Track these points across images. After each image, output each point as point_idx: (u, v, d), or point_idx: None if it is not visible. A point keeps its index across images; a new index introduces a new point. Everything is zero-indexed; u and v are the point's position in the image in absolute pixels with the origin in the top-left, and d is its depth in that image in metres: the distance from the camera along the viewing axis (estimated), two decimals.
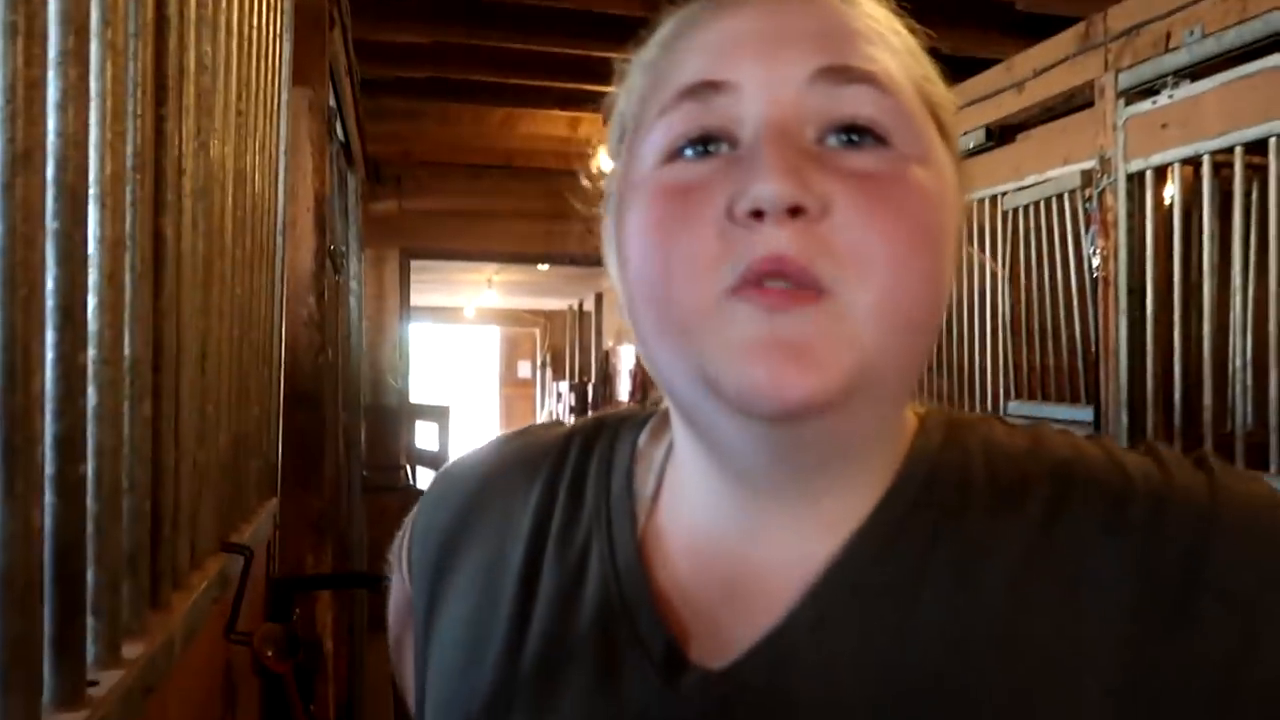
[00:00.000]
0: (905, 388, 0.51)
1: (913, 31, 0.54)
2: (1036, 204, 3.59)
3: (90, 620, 0.84)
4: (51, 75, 0.70)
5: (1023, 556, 0.48)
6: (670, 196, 0.47)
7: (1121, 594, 0.47)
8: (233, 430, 1.47)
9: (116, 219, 0.85)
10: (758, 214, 0.44)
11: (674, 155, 0.48)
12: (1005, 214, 3.78)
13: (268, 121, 1.75)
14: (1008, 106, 3.63)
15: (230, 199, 1.38)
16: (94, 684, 0.81)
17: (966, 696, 0.46)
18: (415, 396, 6.33)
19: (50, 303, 0.72)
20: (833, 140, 0.47)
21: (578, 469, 0.59)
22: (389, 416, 5.61)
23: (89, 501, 0.82)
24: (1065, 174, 3.40)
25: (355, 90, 3.80)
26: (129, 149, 0.89)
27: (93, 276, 0.82)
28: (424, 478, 5.49)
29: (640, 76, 0.54)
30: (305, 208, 2.67)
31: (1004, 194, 3.79)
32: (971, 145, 3.87)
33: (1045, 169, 3.53)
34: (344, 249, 3.61)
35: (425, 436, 6.17)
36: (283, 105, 1.97)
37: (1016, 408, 3.74)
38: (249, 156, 1.55)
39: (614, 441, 0.60)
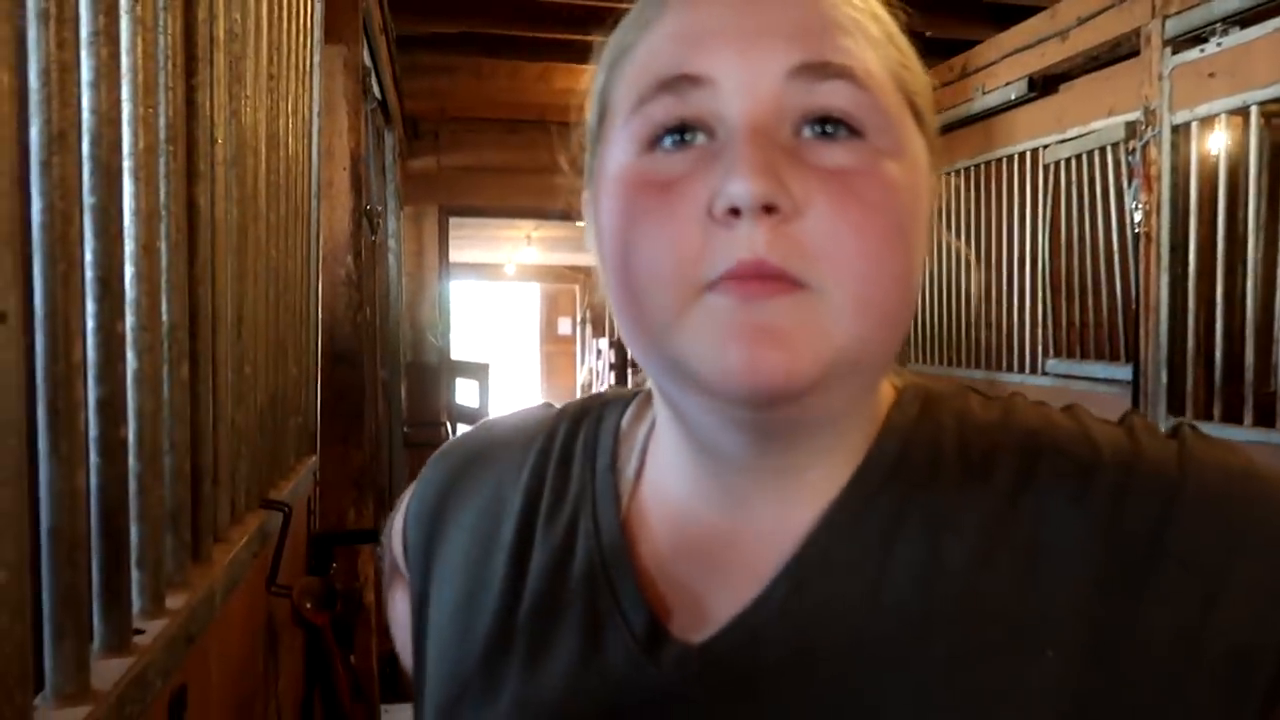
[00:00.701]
0: (879, 372, 0.52)
1: (891, 9, 0.54)
2: (1078, 157, 3.51)
3: (135, 573, 0.89)
4: (84, 55, 0.73)
5: (988, 527, 0.50)
6: (649, 190, 0.48)
7: (1083, 563, 0.49)
8: (270, 390, 1.51)
9: (150, 191, 0.89)
10: (735, 211, 0.46)
11: (652, 145, 0.49)
12: (1046, 167, 3.71)
13: (300, 83, 1.78)
14: (1050, 56, 3.54)
15: (264, 164, 1.41)
16: (140, 632, 0.86)
17: (930, 664, 0.48)
18: (456, 354, 6.40)
19: (89, 274, 0.76)
20: (808, 132, 0.48)
21: (565, 449, 0.61)
22: (429, 374, 5.69)
23: (131, 461, 0.86)
24: (1108, 126, 3.32)
25: (391, 47, 3.81)
26: (161, 122, 0.92)
27: (129, 247, 0.85)
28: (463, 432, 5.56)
29: (618, 57, 0.54)
30: (341, 167, 2.70)
31: (1045, 147, 3.71)
32: (1013, 96, 3.78)
33: (1088, 120, 3.44)
34: (381, 207, 3.64)
35: (466, 393, 6.25)
36: (315, 65, 2.00)
37: (1055, 365, 3.70)
38: (282, 120, 1.57)
39: (599, 422, 0.62)
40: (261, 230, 1.41)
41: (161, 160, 0.93)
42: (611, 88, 0.54)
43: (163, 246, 0.93)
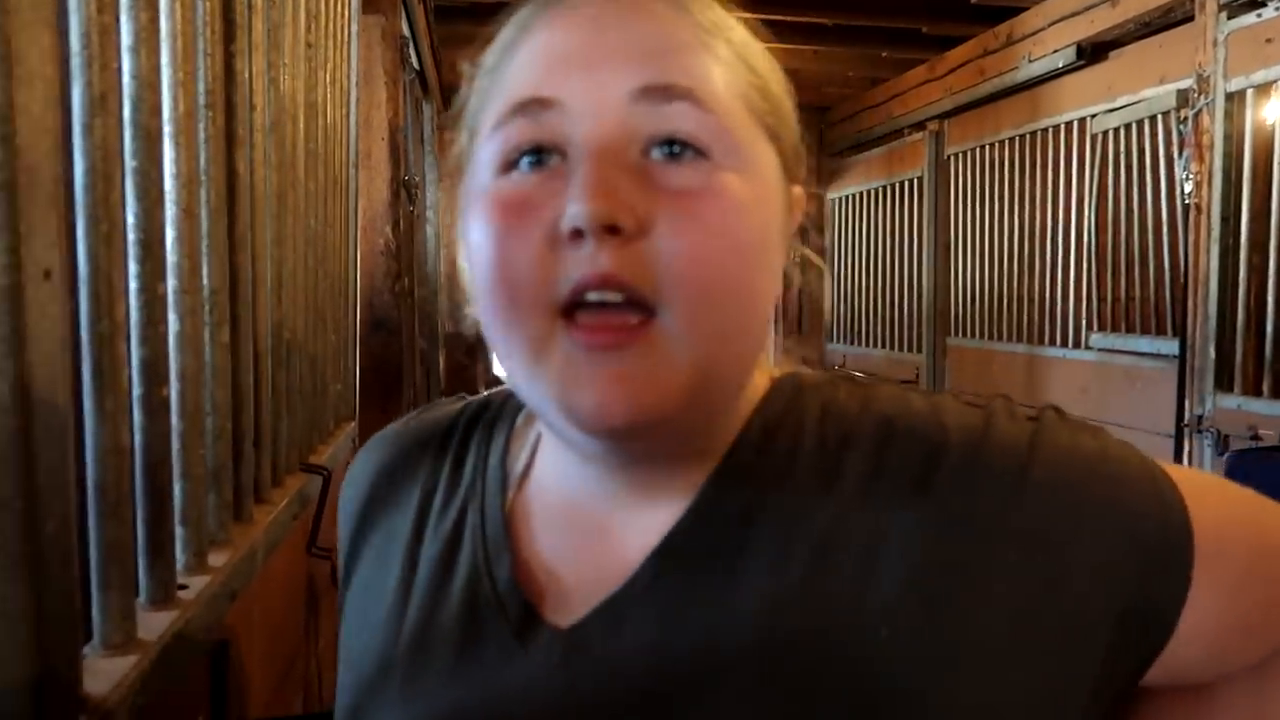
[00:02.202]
0: (731, 390, 0.54)
1: (751, 31, 0.56)
2: (1127, 126, 3.43)
3: (179, 530, 0.91)
4: (124, 19, 0.74)
5: (836, 517, 0.52)
6: (506, 211, 0.50)
7: (923, 547, 0.50)
8: (310, 356, 1.54)
9: (190, 155, 0.90)
10: (579, 233, 0.48)
11: (509, 166, 0.51)
12: (1094, 137, 3.62)
13: (338, 52, 1.79)
14: (1100, 22, 3.45)
15: (302, 132, 1.43)
16: (183, 587, 0.88)
17: (775, 652, 0.50)
18: None
19: (131, 236, 0.77)
20: (656, 153, 0.50)
21: (461, 446, 0.65)
22: (467, 344, 5.74)
23: (173, 420, 0.88)
24: (1159, 94, 3.24)
25: (429, 17, 3.80)
26: (200, 87, 0.93)
27: (170, 211, 0.87)
28: None
29: (482, 80, 0.56)
30: (379, 138, 2.72)
31: (1093, 116, 3.62)
32: (1060, 64, 3.69)
33: (1138, 89, 3.36)
34: (419, 178, 3.66)
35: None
36: (354, 35, 2.00)
37: (1099, 339, 3.63)
38: (320, 89, 1.59)
39: (496, 420, 0.65)
40: (300, 198, 1.42)
41: (201, 125, 0.94)
42: (477, 109, 0.56)
43: (203, 211, 0.95)
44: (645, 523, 0.55)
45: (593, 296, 0.48)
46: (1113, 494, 0.52)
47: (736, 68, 0.53)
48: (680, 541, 0.54)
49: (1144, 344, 3.40)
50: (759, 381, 0.59)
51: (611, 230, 0.47)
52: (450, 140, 0.61)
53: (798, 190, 0.59)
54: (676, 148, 0.50)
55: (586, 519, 0.57)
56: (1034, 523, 0.50)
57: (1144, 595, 0.51)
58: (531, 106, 0.51)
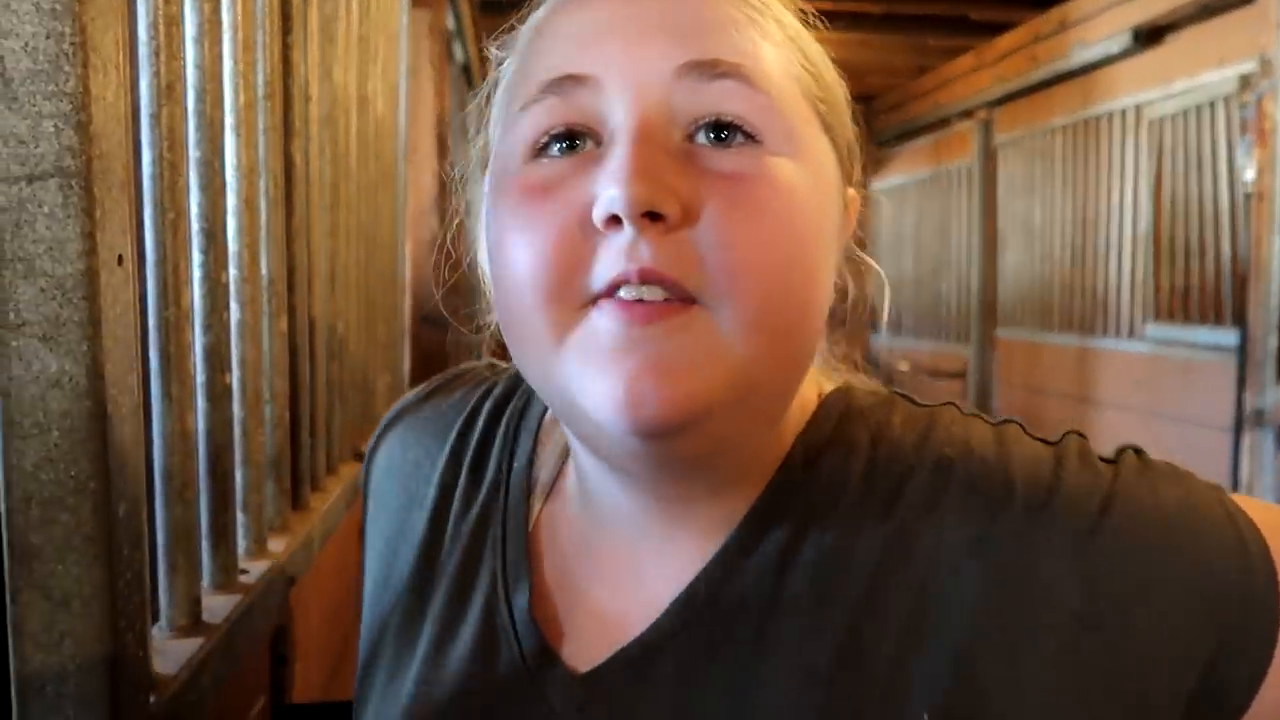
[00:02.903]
0: (779, 398, 0.48)
1: (803, 16, 0.51)
2: (1185, 113, 3.34)
3: (240, 516, 0.92)
4: (188, 11, 0.75)
5: (880, 573, 0.47)
6: (533, 198, 0.45)
7: (971, 616, 0.46)
8: (362, 346, 1.55)
9: (250, 146, 0.91)
10: (616, 220, 0.42)
11: (539, 151, 0.46)
12: (1150, 124, 3.54)
13: (389, 45, 1.80)
14: (1157, 6, 3.37)
15: (354, 124, 1.44)
16: (244, 572, 0.90)
17: (808, 712, 0.46)
18: None
19: (195, 225, 0.78)
20: (702, 137, 0.45)
21: (484, 437, 0.59)
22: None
23: (235, 408, 0.90)
24: (1219, 79, 3.15)
25: (475, 10, 3.82)
26: (259, 78, 0.95)
27: (231, 201, 0.88)
28: None
29: (511, 63, 0.52)
30: (426, 131, 2.74)
31: (1149, 103, 3.54)
32: (1115, 50, 3.61)
33: (1197, 73, 3.27)
34: (465, 172, 3.68)
35: None
36: (403, 28, 2.02)
37: (1155, 330, 3.55)
38: (371, 81, 1.60)
39: (523, 413, 0.59)
40: (353, 189, 1.43)
41: (260, 116, 0.95)
42: (505, 93, 0.52)
43: (262, 201, 0.96)
44: (675, 560, 0.51)
45: (627, 293, 0.42)
46: (1190, 552, 0.46)
47: (789, 49, 0.49)
48: (710, 589, 0.49)
49: (1201, 335, 3.31)
50: (807, 396, 0.53)
51: (652, 217, 0.42)
52: (474, 129, 0.57)
53: (852, 193, 0.54)
54: (724, 132, 0.45)
55: (613, 550, 0.53)
56: (1098, 597, 0.45)
57: (1226, 653, 0.45)
58: (564, 84, 0.46)
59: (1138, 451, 0.50)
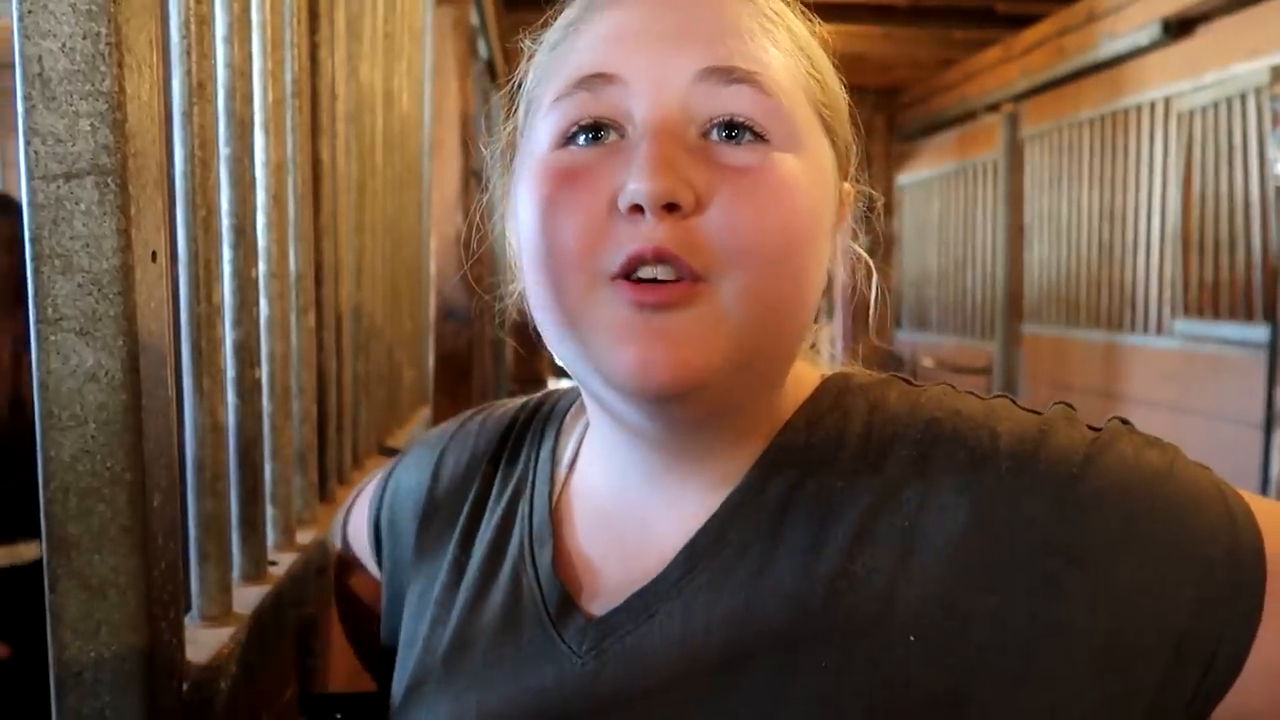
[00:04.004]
0: (777, 367, 0.54)
1: (811, 23, 0.57)
2: (1215, 105, 3.30)
3: (269, 509, 0.94)
4: (218, 10, 0.76)
5: (872, 514, 0.51)
6: (561, 180, 0.51)
7: (959, 551, 0.49)
8: (387, 342, 1.57)
9: (279, 143, 0.92)
10: (637, 208, 0.48)
11: (567, 140, 0.52)
12: (1180, 116, 3.49)
13: (413, 42, 1.81)
14: None
15: (380, 121, 1.45)
16: (273, 564, 0.91)
17: (803, 640, 0.50)
18: None
19: (225, 222, 0.79)
20: (715, 134, 0.51)
21: (518, 439, 0.68)
22: (522, 334, 5.80)
23: (264, 402, 0.91)
24: (1251, 70, 3.11)
25: (499, 7, 3.84)
26: (287, 76, 0.96)
27: (260, 197, 0.89)
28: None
29: (544, 56, 0.57)
30: (450, 128, 2.75)
31: (1178, 95, 3.49)
32: (1145, 42, 3.56)
33: (1227, 65, 3.23)
34: (488, 168, 3.69)
35: None
36: (428, 25, 2.03)
37: (1184, 326, 3.51)
38: (396, 78, 1.61)
39: (549, 415, 0.68)
40: (379, 186, 1.45)
41: (288, 114, 0.96)
42: (537, 84, 0.57)
43: (290, 197, 0.97)
44: (683, 514, 0.56)
45: (645, 273, 0.48)
46: (1173, 511, 0.48)
47: (797, 57, 0.54)
48: (713, 535, 0.54)
49: (1231, 330, 3.27)
50: (809, 378, 0.59)
51: (670, 208, 0.48)
52: (504, 115, 0.63)
53: (847, 187, 0.59)
54: (736, 130, 0.50)
55: (627, 511, 0.59)
56: (1080, 535, 0.48)
57: (1206, 622, 0.47)
58: (595, 81, 0.52)
59: (1125, 422, 0.53)
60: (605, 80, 0.51)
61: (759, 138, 0.51)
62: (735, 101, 0.50)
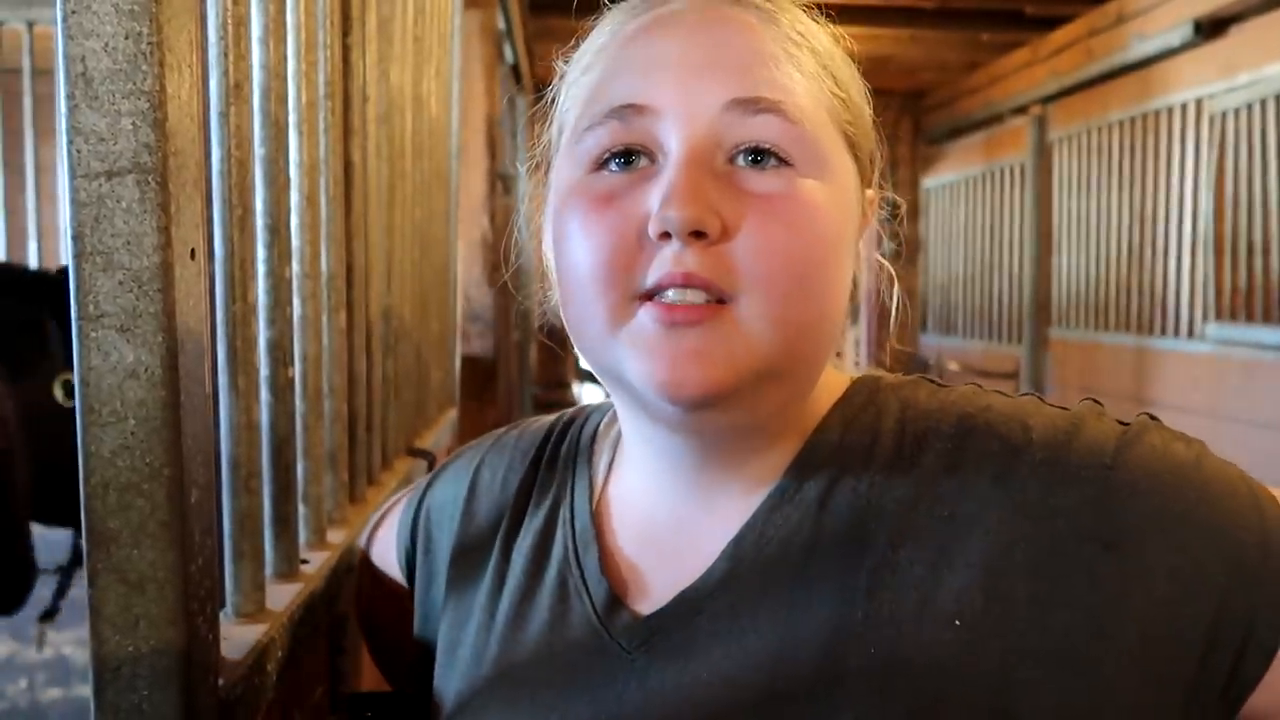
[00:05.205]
0: (804, 382, 0.56)
1: (833, 37, 0.59)
2: (1248, 106, 3.25)
3: (301, 507, 0.94)
4: (254, 12, 0.77)
5: (911, 508, 0.53)
6: (595, 204, 0.54)
7: (999, 539, 0.50)
8: (415, 344, 1.57)
9: (312, 144, 0.93)
10: (667, 234, 0.51)
11: (601, 164, 0.55)
12: (1211, 118, 3.45)
13: (442, 46, 1.82)
14: None
15: (409, 123, 1.46)
16: (305, 562, 0.92)
17: (847, 629, 0.51)
18: None
19: (260, 222, 0.80)
20: (741, 160, 0.53)
21: (555, 448, 0.70)
22: (559, 337, 5.81)
23: (296, 401, 0.92)
24: None
25: (524, 11, 3.85)
26: (320, 78, 0.96)
27: (294, 198, 0.90)
28: (589, 395, 5.68)
29: (577, 79, 0.60)
30: (476, 131, 2.77)
31: (1210, 97, 3.45)
32: (1176, 43, 3.52)
33: (1261, 65, 3.18)
34: (514, 171, 3.72)
35: None
36: (456, 29, 2.04)
37: (1216, 330, 3.46)
38: (425, 82, 1.62)
39: (584, 425, 0.71)
40: (408, 188, 1.46)
41: (321, 115, 0.97)
42: (569, 108, 0.60)
43: (323, 198, 0.98)
44: (724, 515, 0.58)
45: (672, 296, 0.51)
46: (1202, 501, 0.50)
47: (821, 79, 0.56)
48: (756, 534, 0.56)
49: (1265, 334, 3.22)
50: (837, 381, 0.61)
51: (697, 235, 0.51)
52: (538, 133, 0.66)
53: (870, 194, 0.62)
54: (762, 156, 0.53)
55: (666, 514, 0.61)
56: (1113, 523, 0.49)
57: (1238, 606, 0.48)
58: (627, 111, 0.54)
59: (1153, 418, 0.55)
60: (637, 111, 0.54)
61: (784, 162, 0.53)
62: (762, 130, 0.53)
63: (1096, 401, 0.57)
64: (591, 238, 0.54)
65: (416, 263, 1.58)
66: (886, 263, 0.65)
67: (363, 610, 0.88)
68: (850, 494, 0.55)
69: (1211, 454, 0.53)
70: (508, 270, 0.76)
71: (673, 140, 0.53)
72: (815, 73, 0.56)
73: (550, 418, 0.75)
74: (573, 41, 0.63)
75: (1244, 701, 0.49)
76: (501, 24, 3.09)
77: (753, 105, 0.53)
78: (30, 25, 2.56)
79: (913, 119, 6.14)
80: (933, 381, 0.61)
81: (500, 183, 3.05)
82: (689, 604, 0.56)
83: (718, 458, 0.58)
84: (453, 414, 2.08)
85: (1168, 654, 0.48)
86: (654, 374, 0.51)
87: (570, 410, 0.75)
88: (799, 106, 0.54)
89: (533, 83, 4.51)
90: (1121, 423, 0.54)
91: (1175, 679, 0.48)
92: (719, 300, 0.51)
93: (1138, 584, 0.48)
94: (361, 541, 0.87)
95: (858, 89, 0.60)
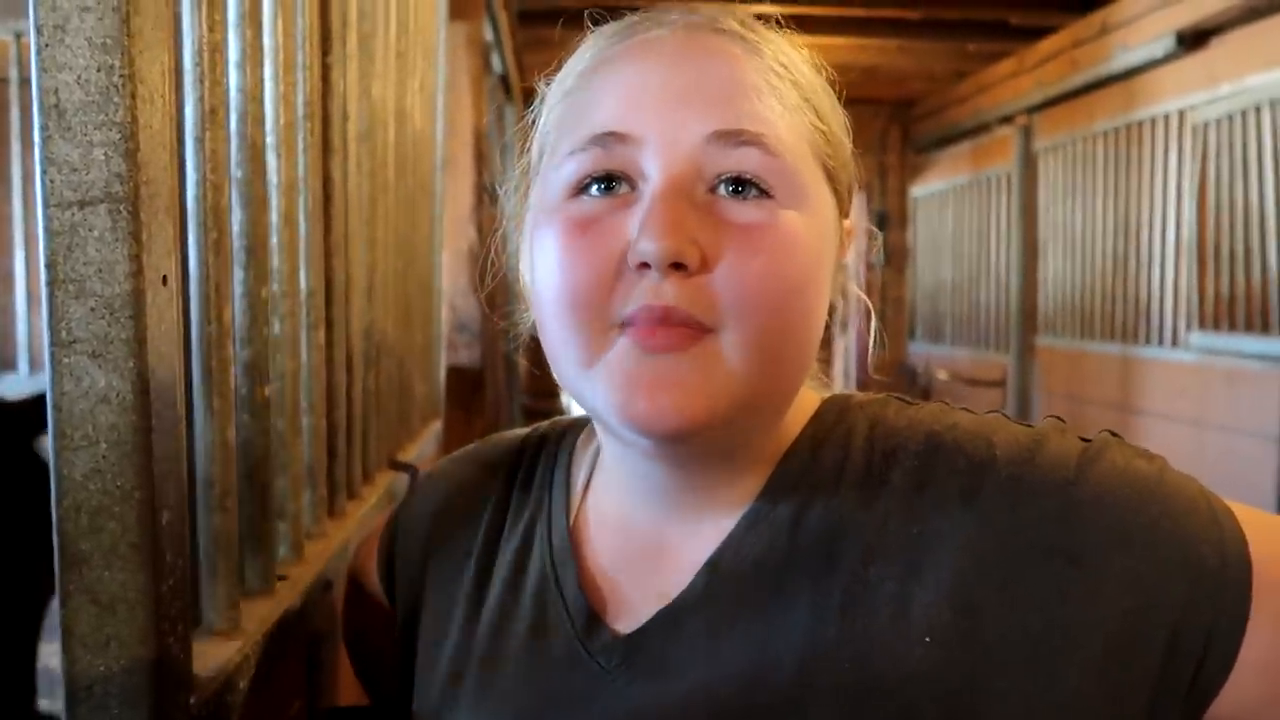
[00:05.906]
0: (783, 399, 0.57)
1: (815, 68, 0.59)
2: (1230, 117, 3.28)
3: (279, 524, 0.95)
4: (231, 36, 0.78)
5: (881, 526, 0.54)
6: (575, 230, 0.54)
7: (967, 554, 0.51)
8: (398, 357, 1.58)
9: (290, 165, 0.94)
10: (646, 264, 0.51)
11: (581, 190, 0.55)
12: (1195, 129, 3.48)
13: (426, 59, 1.83)
14: (1202, 8, 3.32)
15: (392, 138, 1.47)
16: (283, 578, 0.92)
17: (823, 645, 0.52)
18: None
19: (236, 243, 0.81)
20: (723, 189, 0.54)
21: (530, 466, 0.70)
22: (537, 356, 5.81)
23: (274, 419, 0.92)
24: (1267, 81, 3.09)
25: (513, 22, 3.87)
26: (299, 99, 0.97)
27: (272, 218, 0.91)
28: (578, 408, 5.68)
29: (558, 103, 0.60)
30: (463, 143, 2.78)
31: (1192, 108, 3.48)
32: (1160, 54, 3.55)
33: (1242, 77, 3.21)
34: (501, 183, 3.72)
35: None
36: (440, 42, 2.05)
37: (1200, 338, 3.49)
38: (409, 96, 1.63)
39: (559, 443, 0.71)
40: (390, 203, 1.46)
41: (300, 135, 0.98)
42: (550, 130, 0.60)
43: (301, 217, 0.99)
44: (699, 534, 0.59)
45: (650, 322, 0.52)
46: (1162, 516, 0.51)
47: (803, 112, 0.57)
48: (732, 554, 0.57)
49: (1248, 343, 3.25)
50: (810, 400, 0.62)
51: (676, 266, 0.51)
52: (522, 150, 0.66)
53: (848, 224, 0.63)
54: (742, 186, 0.53)
55: (645, 533, 0.61)
56: (1076, 537, 0.51)
57: (1198, 617, 0.50)
58: (608, 139, 0.54)
59: (1115, 435, 0.56)
60: (619, 139, 0.54)
61: (765, 194, 0.53)
62: (743, 161, 0.53)
63: (1060, 419, 0.58)
64: (569, 267, 0.54)
65: (400, 275, 1.58)
66: (864, 297, 0.66)
67: (348, 630, 0.88)
68: (822, 512, 0.56)
69: (1172, 469, 0.54)
70: (484, 289, 0.76)
71: (654, 169, 0.54)
72: (797, 105, 0.56)
73: (522, 431, 0.75)
74: (555, 63, 0.63)
75: (1206, 708, 0.50)
76: (489, 35, 3.11)
77: (735, 137, 0.53)
78: (18, 36, 2.57)
79: (901, 128, 6.18)
80: (901, 400, 0.62)
81: (488, 193, 3.06)
82: (667, 622, 0.57)
83: (693, 481, 0.59)
84: (437, 426, 2.08)
85: (1131, 663, 0.49)
86: (630, 405, 0.51)
87: (544, 424, 0.75)
88: (780, 139, 0.54)
89: (522, 93, 4.52)
90: (1084, 439, 0.55)
91: (1139, 687, 0.49)
92: (698, 330, 0.52)
93: (1101, 596, 0.50)
94: (349, 560, 0.88)
95: (838, 121, 0.60)
